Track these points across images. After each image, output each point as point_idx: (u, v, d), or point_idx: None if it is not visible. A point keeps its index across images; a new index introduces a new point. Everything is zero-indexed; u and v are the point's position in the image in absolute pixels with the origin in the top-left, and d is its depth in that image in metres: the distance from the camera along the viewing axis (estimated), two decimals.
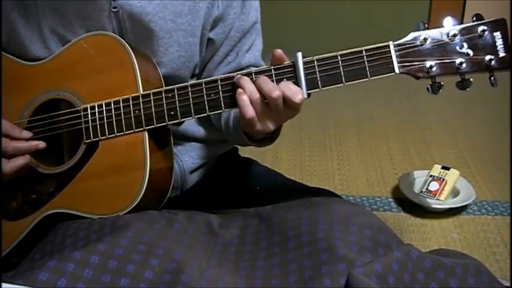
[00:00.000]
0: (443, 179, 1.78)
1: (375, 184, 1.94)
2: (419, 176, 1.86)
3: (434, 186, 1.77)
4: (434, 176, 1.80)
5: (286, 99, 0.90)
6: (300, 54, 0.92)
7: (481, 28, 0.90)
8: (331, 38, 2.95)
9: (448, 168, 1.81)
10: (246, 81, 0.92)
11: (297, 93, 0.90)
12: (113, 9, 1.01)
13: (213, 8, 1.08)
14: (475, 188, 1.83)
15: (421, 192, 1.78)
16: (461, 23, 0.91)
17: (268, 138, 1.01)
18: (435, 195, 1.76)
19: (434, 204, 1.73)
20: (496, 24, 0.90)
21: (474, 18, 0.91)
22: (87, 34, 1.02)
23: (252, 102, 0.91)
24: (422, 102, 2.53)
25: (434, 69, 0.91)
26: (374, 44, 0.92)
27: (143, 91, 0.97)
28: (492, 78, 0.91)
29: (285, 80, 0.93)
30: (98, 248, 0.83)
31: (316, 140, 2.26)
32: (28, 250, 0.94)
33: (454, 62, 0.90)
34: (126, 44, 0.99)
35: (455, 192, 1.79)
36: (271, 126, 0.94)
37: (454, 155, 2.12)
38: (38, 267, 0.81)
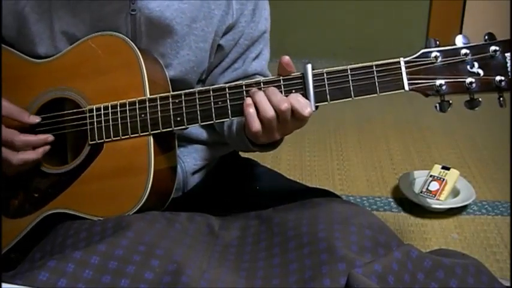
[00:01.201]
0: (444, 179, 1.78)
1: (375, 184, 1.94)
2: (419, 176, 1.86)
3: (434, 186, 1.77)
4: (434, 176, 1.80)
5: (294, 112, 0.90)
6: (309, 66, 0.92)
7: (492, 48, 0.88)
8: (332, 39, 2.95)
9: (448, 168, 1.81)
10: (254, 92, 0.92)
11: (305, 106, 0.90)
12: (131, 12, 1.00)
13: (227, 15, 1.08)
14: (475, 188, 1.83)
15: (421, 192, 1.78)
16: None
17: (271, 144, 1.00)
18: (435, 195, 1.76)
19: (434, 204, 1.73)
20: (508, 45, 0.88)
21: (486, 37, 0.89)
22: (95, 34, 1.01)
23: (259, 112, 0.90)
24: (422, 102, 2.52)
25: (443, 87, 0.89)
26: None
27: (150, 94, 0.97)
28: (501, 98, 0.89)
29: (293, 91, 0.92)
30: (98, 249, 0.83)
31: (316, 140, 2.26)
32: (28, 249, 0.94)
33: (464, 81, 0.89)
34: (133, 45, 0.98)
35: (455, 192, 1.79)
36: (277, 136, 0.94)
37: (454, 155, 2.12)
38: (38, 267, 0.81)
